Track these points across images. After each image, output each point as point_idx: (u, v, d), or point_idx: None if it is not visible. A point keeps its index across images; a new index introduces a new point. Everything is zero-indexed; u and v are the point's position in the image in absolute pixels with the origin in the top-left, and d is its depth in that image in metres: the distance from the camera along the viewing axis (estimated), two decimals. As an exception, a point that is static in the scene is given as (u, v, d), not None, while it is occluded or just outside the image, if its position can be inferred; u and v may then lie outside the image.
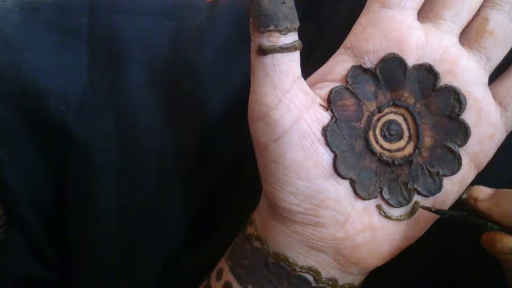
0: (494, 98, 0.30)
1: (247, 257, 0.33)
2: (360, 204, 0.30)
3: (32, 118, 0.35)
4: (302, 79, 0.30)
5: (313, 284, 0.32)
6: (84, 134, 0.35)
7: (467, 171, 0.30)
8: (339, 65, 0.31)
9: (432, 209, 0.30)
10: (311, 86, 0.31)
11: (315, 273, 0.31)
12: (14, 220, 0.37)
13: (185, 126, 0.36)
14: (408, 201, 0.30)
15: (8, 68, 0.34)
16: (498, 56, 0.30)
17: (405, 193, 0.30)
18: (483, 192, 0.28)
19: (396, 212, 0.31)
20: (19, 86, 0.34)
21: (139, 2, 0.37)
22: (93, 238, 0.37)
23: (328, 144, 0.29)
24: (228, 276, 0.34)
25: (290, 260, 0.31)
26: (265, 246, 0.32)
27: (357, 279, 0.33)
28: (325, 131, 0.29)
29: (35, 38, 0.35)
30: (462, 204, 0.29)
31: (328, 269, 0.32)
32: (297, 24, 0.29)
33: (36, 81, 0.34)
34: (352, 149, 0.30)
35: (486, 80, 0.30)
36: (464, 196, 0.29)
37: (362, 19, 0.30)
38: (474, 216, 0.28)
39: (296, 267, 0.31)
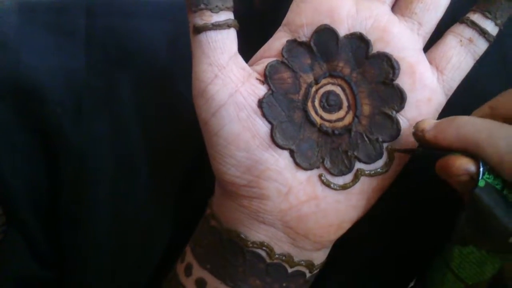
0: (431, 63, 0.31)
1: (205, 237, 0.34)
2: (302, 175, 0.31)
3: (28, 119, 0.35)
4: (239, 56, 0.31)
5: (267, 260, 0.32)
6: (79, 138, 0.36)
7: (409, 137, 0.30)
8: (276, 41, 0.31)
9: (401, 150, 0.30)
10: (251, 64, 0.32)
11: (268, 248, 0.32)
12: (13, 220, 0.37)
13: (180, 131, 0.37)
14: (349, 169, 0.30)
15: (5, 69, 0.35)
16: (430, 21, 0.30)
17: (345, 161, 0.30)
18: (428, 123, 0.28)
19: (339, 180, 0.31)
20: (16, 87, 0.35)
21: (136, 4, 0.37)
22: (84, 242, 0.37)
23: (264, 115, 0.30)
24: (189, 257, 0.34)
25: (242, 235, 0.32)
26: (219, 224, 0.33)
27: (314, 256, 0.33)
28: (261, 102, 0.30)
29: (32, 40, 0.36)
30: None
31: (280, 244, 0.32)
32: (229, 3, 0.30)
33: (32, 82, 0.35)
34: (292, 121, 0.31)
35: (420, 45, 0.31)
36: (412, 130, 0.29)
37: None
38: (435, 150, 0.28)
39: (248, 243, 0.31)
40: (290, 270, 0.32)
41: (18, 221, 0.36)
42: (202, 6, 0.29)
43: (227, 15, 0.30)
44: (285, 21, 0.32)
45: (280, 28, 0.32)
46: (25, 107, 0.35)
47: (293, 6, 0.31)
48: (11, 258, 0.37)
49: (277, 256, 0.32)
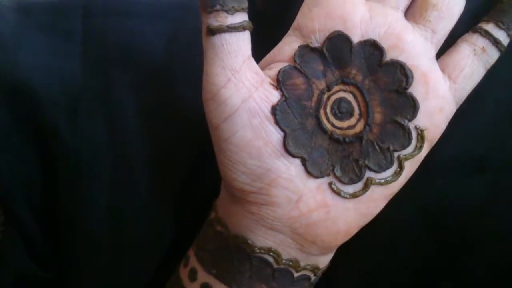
0: (443, 71, 0.31)
1: (210, 242, 0.33)
2: (312, 183, 0.30)
3: (25, 120, 0.35)
4: (252, 60, 0.30)
5: (274, 265, 0.32)
6: (76, 139, 0.35)
7: None
8: (287, 46, 0.31)
9: None
10: (262, 68, 0.31)
11: (275, 254, 0.31)
12: (12, 220, 0.37)
13: (178, 131, 0.36)
14: (360, 178, 0.30)
15: (1, 70, 0.34)
16: (444, 29, 0.30)
17: (356, 170, 0.30)
18: None
19: (349, 189, 0.31)
20: (12, 87, 0.34)
21: (133, 4, 0.37)
22: (83, 242, 0.37)
23: (277, 122, 0.29)
24: (193, 262, 0.34)
25: (249, 241, 0.31)
26: (226, 229, 0.32)
27: (320, 260, 0.33)
28: (274, 109, 0.29)
29: (29, 40, 0.35)
30: None
31: (287, 250, 0.32)
32: (245, 4, 0.29)
33: (28, 82, 0.34)
34: (304, 128, 0.30)
35: (433, 53, 0.30)
36: None
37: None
38: None
39: (255, 249, 0.31)
40: (296, 274, 0.32)
41: (17, 221, 0.36)
42: (218, 7, 0.28)
43: (242, 17, 0.29)
44: (296, 25, 0.31)
45: (291, 32, 0.31)
46: (21, 108, 0.34)
47: (304, 10, 0.31)
48: (11, 258, 0.36)
49: (284, 261, 0.32)
